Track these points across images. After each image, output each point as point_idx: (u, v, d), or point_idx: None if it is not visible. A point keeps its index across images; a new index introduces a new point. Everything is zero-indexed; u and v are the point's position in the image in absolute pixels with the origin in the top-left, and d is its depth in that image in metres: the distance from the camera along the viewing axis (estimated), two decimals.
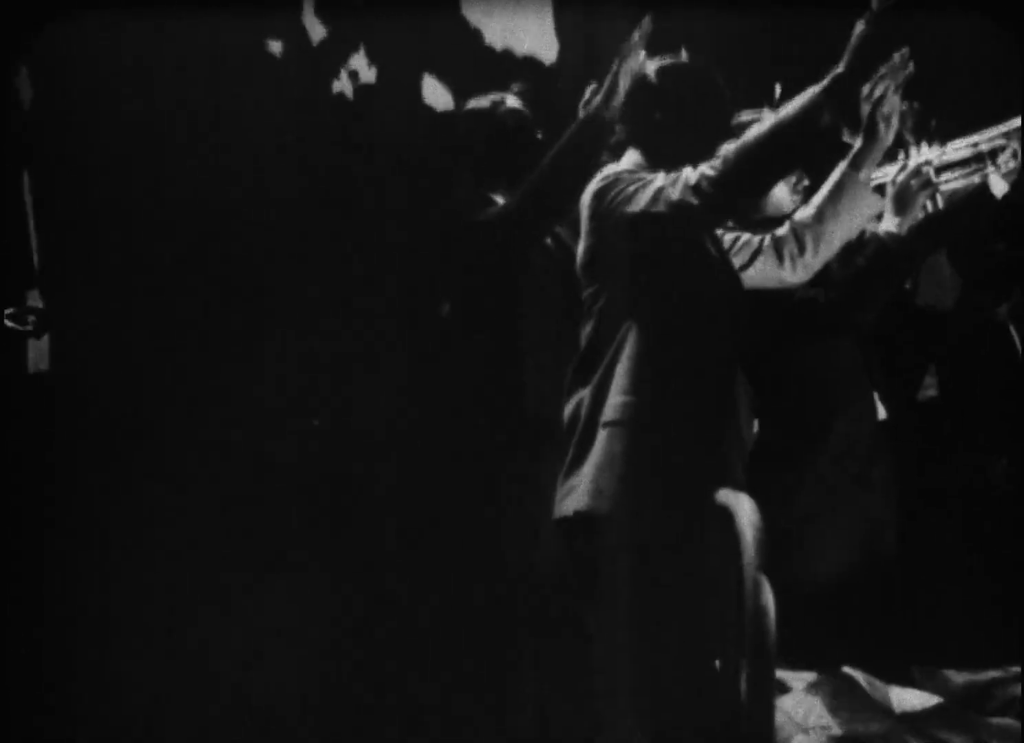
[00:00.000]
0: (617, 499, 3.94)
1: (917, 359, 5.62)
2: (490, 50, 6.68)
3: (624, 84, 4.34)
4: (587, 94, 4.74)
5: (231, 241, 6.42)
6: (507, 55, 6.67)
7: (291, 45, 6.55)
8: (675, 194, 3.99)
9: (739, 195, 4.10)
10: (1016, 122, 4.75)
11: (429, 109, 6.49)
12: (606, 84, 4.39)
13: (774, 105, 4.84)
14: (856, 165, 4.30)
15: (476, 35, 6.67)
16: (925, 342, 5.51)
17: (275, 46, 6.53)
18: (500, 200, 4.94)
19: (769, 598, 3.79)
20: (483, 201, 4.94)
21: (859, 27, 3.98)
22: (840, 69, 3.95)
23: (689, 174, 3.99)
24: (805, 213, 4.39)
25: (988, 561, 4.84)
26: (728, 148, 4.05)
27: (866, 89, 4.23)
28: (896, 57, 4.22)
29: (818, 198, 4.39)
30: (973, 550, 5.04)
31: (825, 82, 3.95)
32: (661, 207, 4.02)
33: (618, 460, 3.97)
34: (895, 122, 4.31)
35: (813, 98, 3.93)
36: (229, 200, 6.37)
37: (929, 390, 5.61)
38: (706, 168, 3.98)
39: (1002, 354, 5.26)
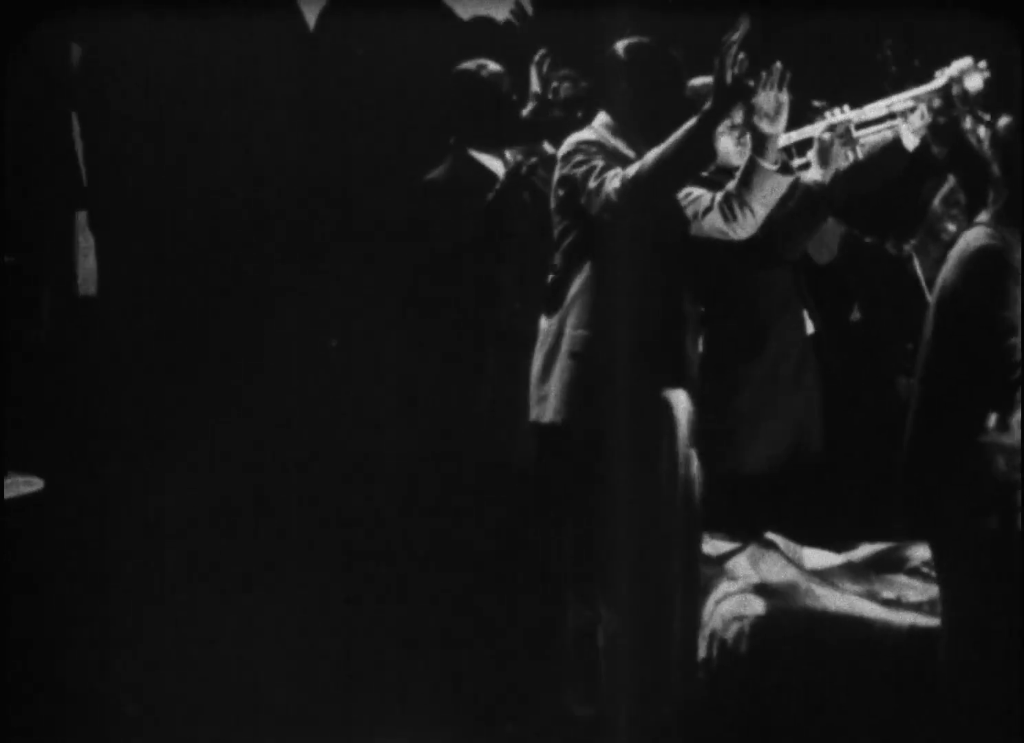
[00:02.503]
0: (582, 413, 4.75)
1: (847, 288, 6.32)
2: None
3: (729, 81, 4.72)
4: (536, 57, 5.47)
5: (234, 226, 6.80)
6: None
7: (288, 30, 6.95)
8: (604, 193, 4.67)
9: (647, 195, 4.69)
10: (925, 87, 5.27)
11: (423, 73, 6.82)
12: (714, 83, 4.69)
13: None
14: (757, 152, 4.82)
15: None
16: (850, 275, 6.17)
17: (271, 30, 6.88)
18: (485, 160, 5.62)
19: (697, 470, 4.70)
20: (473, 167, 5.61)
21: (727, 61, 4.58)
22: (708, 107, 4.60)
23: (617, 173, 4.66)
24: (732, 185, 4.96)
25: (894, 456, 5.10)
26: (651, 152, 4.67)
27: (759, 98, 4.72)
28: (774, 68, 4.68)
29: (737, 176, 4.93)
30: (883, 446, 5.46)
31: (699, 116, 4.61)
32: (597, 203, 4.68)
33: (582, 384, 4.77)
34: (782, 116, 4.75)
35: (696, 125, 4.61)
36: (235, 183, 6.75)
37: (855, 313, 6.34)
38: (632, 169, 4.65)
39: (907, 285, 5.89)
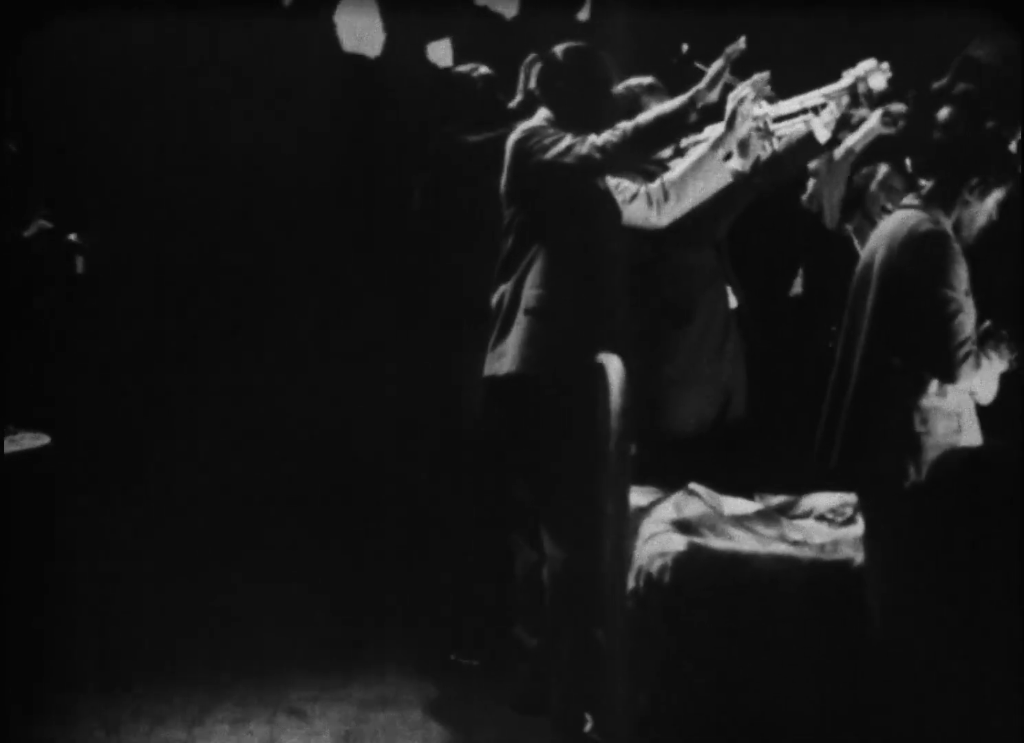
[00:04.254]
0: (535, 364, 5.08)
1: (787, 264, 6.65)
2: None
3: (718, 89, 5.13)
4: (527, 59, 5.72)
5: (220, 213, 7.18)
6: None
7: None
8: (583, 150, 5.03)
9: (631, 156, 5.14)
10: (834, 85, 5.57)
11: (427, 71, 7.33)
12: (706, 83, 5.09)
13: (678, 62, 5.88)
14: (716, 147, 5.29)
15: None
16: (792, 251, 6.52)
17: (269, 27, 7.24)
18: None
19: (628, 426, 5.04)
20: (456, 153, 5.99)
21: (718, 64, 5.10)
22: (701, 85, 5.04)
23: (595, 138, 5.03)
24: (672, 175, 5.42)
25: (813, 417, 5.22)
26: (626, 124, 5.05)
27: (732, 95, 5.24)
28: (757, 77, 5.24)
29: (683, 166, 5.39)
30: (803, 409, 5.49)
31: (691, 92, 5.04)
32: (570, 158, 5.05)
33: (535, 337, 5.09)
34: (748, 123, 5.26)
35: (684, 102, 5.04)
36: (222, 173, 7.11)
37: (796, 288, 6.63)
38: (609, 135, 5.02)
39: (846, 262, 6.11)
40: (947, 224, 4.64)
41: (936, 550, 4.28)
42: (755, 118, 5.57)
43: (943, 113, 4.96)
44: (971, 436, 4.49)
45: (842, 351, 4.86)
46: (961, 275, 4.51)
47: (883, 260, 4.67)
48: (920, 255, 4.57)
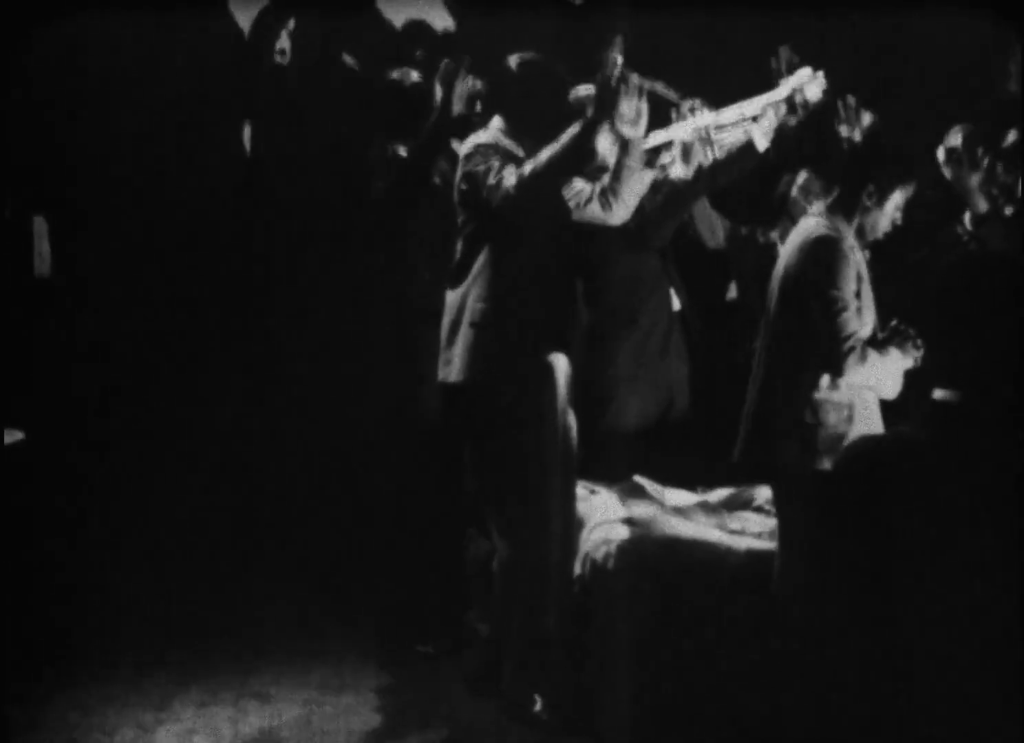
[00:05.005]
0: (478, 374, 5.29)
1: (725, 271, 6.72)
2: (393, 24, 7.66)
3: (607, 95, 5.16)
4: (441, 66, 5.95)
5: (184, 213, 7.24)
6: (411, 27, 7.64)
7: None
8: (502, 191, 5.15)
9: (533, 199, 5.19)
10: (772, 95, 5.69)
11: (350, 79, 7.42)
12: (591, 117, 5.15)
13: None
14: (625, 152, 5.32)
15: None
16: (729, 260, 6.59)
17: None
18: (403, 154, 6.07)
19: (573, 422, 5.27)
20: (393, 159, 6.09)
21: (598, 89, 5.15)
22: (588, 117, 5.12)
23: (512, 174, 5.15)
24: (606, 179, 5.43)
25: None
26: (524, 167, 5.15)
27: (622, 107, 5.20)
28: (632, 81, 5.17)
29: (610, 172, 5.41)
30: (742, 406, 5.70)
31: (581, 123, 5.12)
32: (495, 200, 5.18)
33: (478, 348, 5.29)
34: (642, 122, 5.24)
35: (574, 138, 5.12)
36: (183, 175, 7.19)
37: (731, 293, 6.79)
38: (512, 179, 5.14)
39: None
40: (846, 230, 4.91)
41: (834, 536, 4.48)
42: (697, 127, 5.79)
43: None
44: (865, 426, 4.75)
45: (757, 352, 5.13)
46: (849, 277, 4.79)
47: (784, 266, 4.96)
48: (812, 259, 4.85)
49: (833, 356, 4.74)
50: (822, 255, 4.84)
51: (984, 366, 3.11)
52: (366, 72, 7.33)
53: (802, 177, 6.26)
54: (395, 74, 6.33)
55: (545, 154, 5.18)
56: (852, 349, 4.70)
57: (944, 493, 2.97)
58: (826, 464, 4.70)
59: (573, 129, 5.18)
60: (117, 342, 7.20)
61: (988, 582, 3.21)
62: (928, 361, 4.60)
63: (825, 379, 4.81)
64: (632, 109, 5.21)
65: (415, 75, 6.32)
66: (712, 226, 6.27)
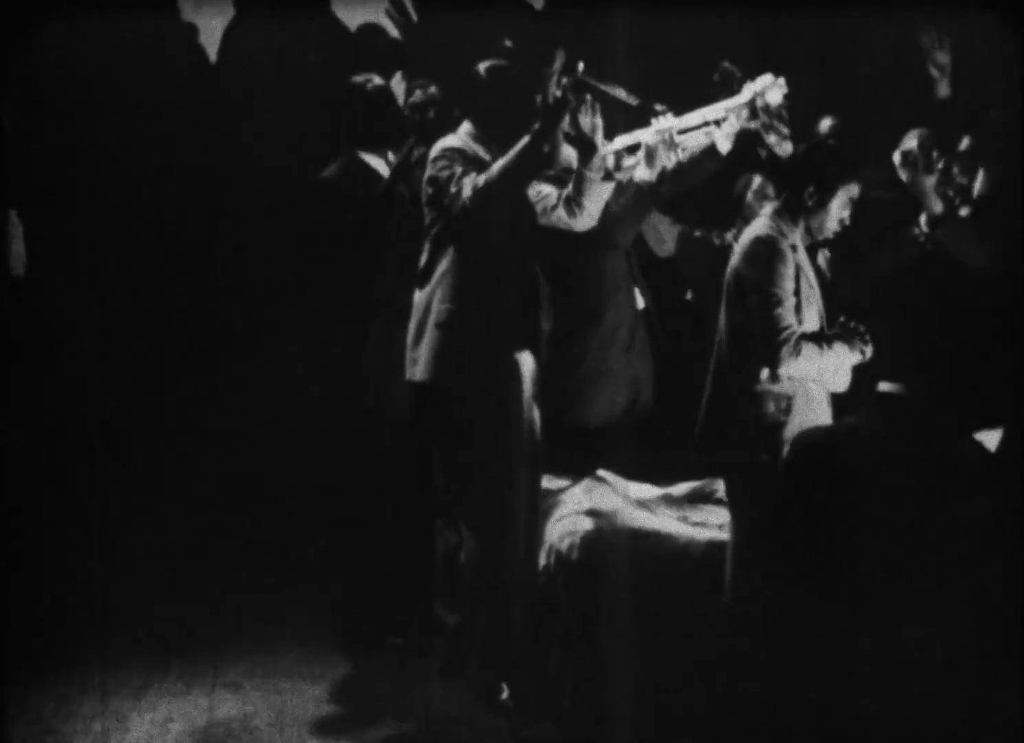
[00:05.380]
0: (443, 375, 5.41)
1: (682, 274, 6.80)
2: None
3: (551, 104, 5.27)
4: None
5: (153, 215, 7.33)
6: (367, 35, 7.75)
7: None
8: (461, 200, 5.30)
9: (489, 206, 5.32)
10: (734, 100, 5.75)
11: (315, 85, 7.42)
12: (540, 126, 5.25)
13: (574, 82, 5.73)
14: (584, 164, 5.48)
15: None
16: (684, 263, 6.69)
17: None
18: (369, 159, 6.21)
19: (538, 418, 5.39)
20: (360, 166, 6.21)
21: (548, 99, 5.25)
22: (538, 126, 5.25)
23: (470, 183, 5.28)
24: (569, 188, 5.56)
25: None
26: (479, 178, 5.28)
27: (580, 116, 5.37)
28: (587, 97, 5.37)
29: (571, 183, 5.55)
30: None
31: (530, 136, 5.24)
32: (455, 209, 5.32)
33: (443, 349, 5.41)
34: (598, 135, 5.41)
35: (526, 146, 5.25)
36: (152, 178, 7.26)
37: (688, 294, 6.95)
38: (483, 177, 5.27)
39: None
40: (791, 231, 5.08)
41: (783, 525, 4.64)
42: (660, 131, 5.84)
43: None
44: (808, 418, 4.88)
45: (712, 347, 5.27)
46: (786, 274, 4.97)
47: (730, 265, 5.14)
48: (750, 257, 5.03)
49: (770, 348, 4.91)
50: (760, 253, 5.02)
51: (928, 361, 3.24)
52: (327, 76, 7.35)
53: (756, 181, 6.42)
54: (360, 78, 6.39)
55: (498, 165, 5.33)
56: (785, 342, 4.86)
57: (889, 480, 3.10)
58: (767, 455, 4.86)
59: (523, 140, 5.31)
60: (88, 341, 7.27)
61: (936, 567, 3.33)
62: (876, 356, 4.71)
63: (764, 372, 4.96)
64: (588, 124, 5.38)
65: (377, 79, 6.40)
66: (659, 234, 6.43)
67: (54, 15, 6.16)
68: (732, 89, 5.87)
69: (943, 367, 3.25)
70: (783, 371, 4.89)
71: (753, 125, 5.87)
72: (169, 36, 7.59)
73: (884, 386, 3.23)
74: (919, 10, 6.43)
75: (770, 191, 6.34)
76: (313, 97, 7.37)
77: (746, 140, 5.92)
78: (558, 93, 5.30)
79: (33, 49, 6.56)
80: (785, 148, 5.83)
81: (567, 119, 5.45)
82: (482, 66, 5.62)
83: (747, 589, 4.87)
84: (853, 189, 5.14)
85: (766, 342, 4.91)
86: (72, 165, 7.30)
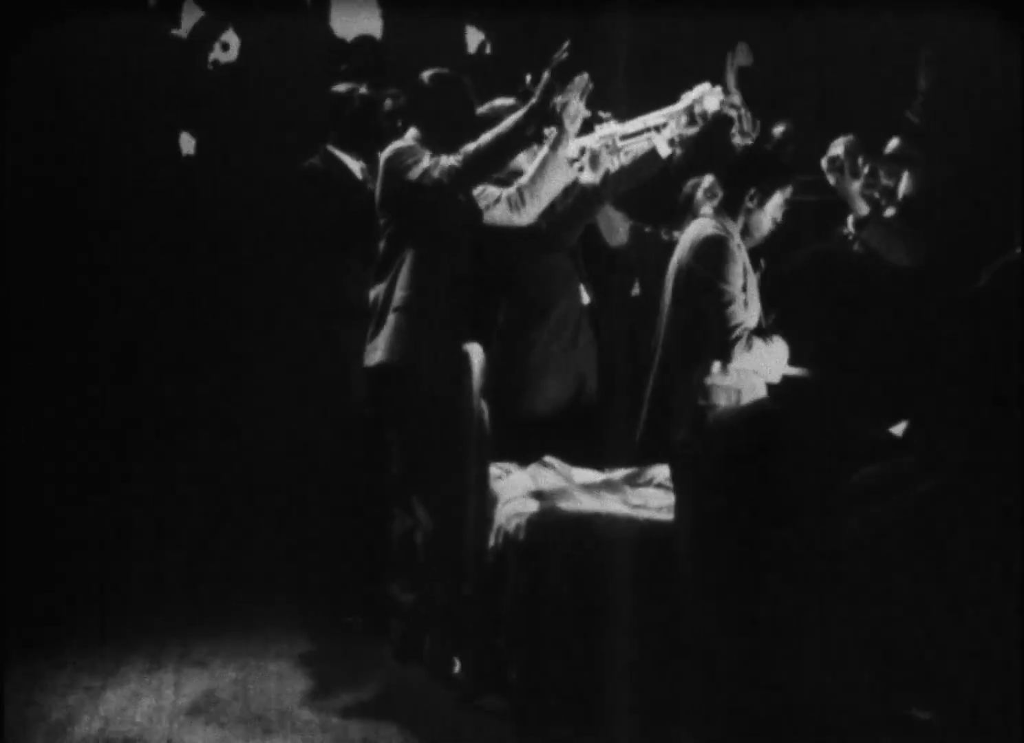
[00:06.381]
0: (403, 356, 5.62)
1: (630, 267, 7.03)
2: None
3: (554, 108, 5.48)
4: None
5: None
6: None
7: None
8: (435, 174, 5.53)
9: (477, 174, 5.60)
10: (674, 107, 6.03)
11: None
12: (538, 97, 5.43)
13: (521, 94, 6.14)
14: (554, 147, 5.72)
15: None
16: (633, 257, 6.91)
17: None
18: (345, 159, 6.45)
19: (487, 407, 5.58)
20: (337, 162, 6.45)
21: (546, 76, 5.44)
22: (534, 101, 5.44)
23: (444, 162, 5.49)
24: (524, 179, 5.85)
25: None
26: (468, 147, 5.49)
27: (559, 99, 5.54)
28: (577, 79, 5.57)
29: (531, 170, 5.81)
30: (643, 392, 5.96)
31: (525, 109, 5.45)
32: (426, 181, 5.55)
33: (403, 331, 5.63)
34: (578, 120, 5.64)
35: (519, 119, 5.46)
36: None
37: (636, 289, 7.11)
38: (455, 158, 5.49)
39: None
40: (733, 229, 5.34)
41: (715, 503, 4.93)
42: (604, 136, 6.12)
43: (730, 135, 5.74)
44: None
45: (653, 342, 5.52)
46: (737, 273, 5.22)
47: (677, 261, 5.38)
48: (702, 256, 5.27)
49: (723, 345, 5.15)
50: (712, 253, 5.25)
51: (833, 349, 3.53)
52: (312, 80, 7.59)
53: (707, 181, 6.59)
54: (343, 87, 6.62)
55: (490, 135, 5.53)
56: (739, 338, 5.11)
57: (793, 457, 3.39)
58: (718, 444, 5.07)
59: (518, 113, 5.53)
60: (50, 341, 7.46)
61: (838, 539, 3.60)
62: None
63: (716, 366, 5.20)
64: (574, 106, 5.60)
65: (363, 88, 6.61)
66: (612, 227, 6.61)
67: (49, 17, 6.35)
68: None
69: (847, 355, 3.55)
70: (734, 365, 5.13)
71: (691, 131, 6.12)
72: (162, 40, 7.78)
73: (790, 371, 3.53)
74: (919, 10, 6.45)
75: (720, 191, 6.33)
76: (301, 102, 7.63)
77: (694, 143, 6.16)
78: (549, 77, 5.48)
79: (28, 51, 6.76)
80: (745, 142, 6.11)
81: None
82: (425, 74, 5.85)
83: (701, 566, 5.09)
84: (787, 191, 5.42)
85: (719, 338, 5.12)
86: (64, 163, 7.46)
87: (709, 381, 5.22)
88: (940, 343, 3.43)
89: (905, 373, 4.33)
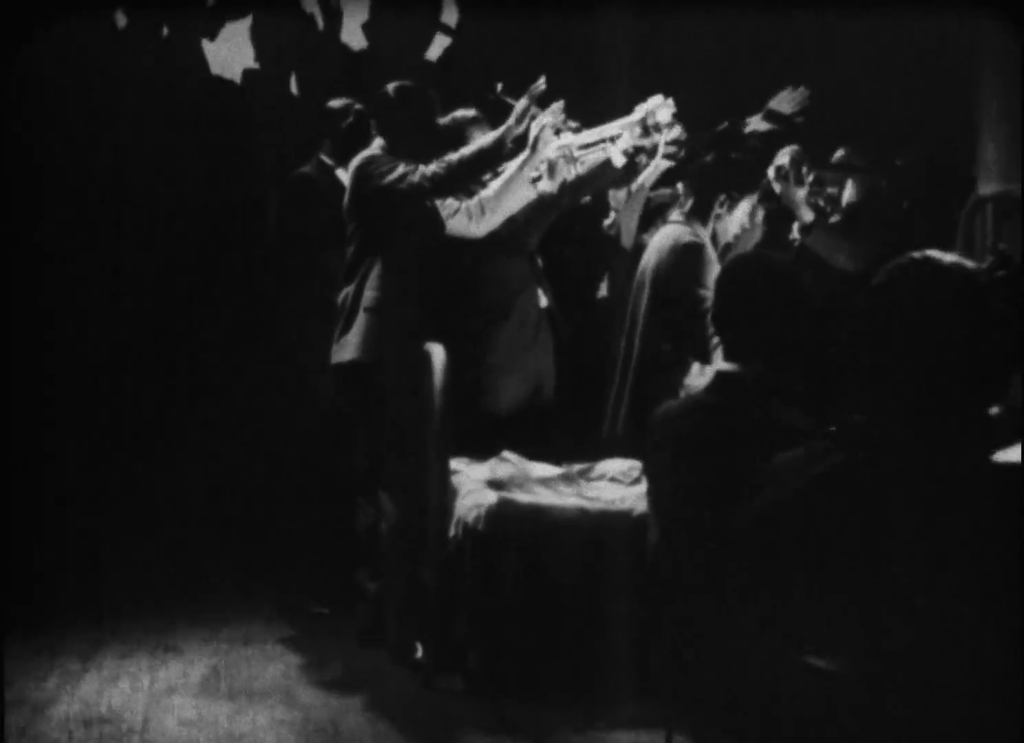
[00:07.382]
0: (370, 353, 5.85)
1: (596, 271, 7.35)
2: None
3: (526, 122, 5.76)
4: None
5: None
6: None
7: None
8: (415, 178, 5.74)
9: (456, 184, 5.86)
10: (628, 118, 6.27)
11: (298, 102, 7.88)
12: (514, 118, 5.74)
13: (491, 102, 6.54)
14: (523, 168, 5.99)
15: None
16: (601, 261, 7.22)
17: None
18: (339, 172, 6.63)
19: (447, 405, 5.78)
20: (328, 171, 6.72)
21: (523, 102, 5.75)
22: (511, 121, 5.73)
23: (425, 168, 5.72)
24: (487, 192, 6.11)
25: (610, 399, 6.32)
26: (452, 157, 5.74)
27: (535, 124, 5.89)
28: (554, 106, 5.92)
29: (496, 184, 6.06)
30: (601, 393, 6.54)
31: (503, 127, 5.74)
32: (403, 185, 5.77)
33: (371, 330, 5.85)
34: (550, 146, 5.98)
35: (498, 136, 5.74)
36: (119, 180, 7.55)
37: (602, 291, 7.40)
38: (436, 166, 5.72)
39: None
40: (704, 235, 5.61)
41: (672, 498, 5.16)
42: (561, 146, 6.30)
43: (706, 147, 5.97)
44: None
45: (625, 342, 5.77)
46: (712, 277, 5.37)
47: (653, 266, 5.61)
48: (680, 262, 5.53)
49: (702, 346, 5.40)
50: (689, 258, 5.54)
51: (759, 345, 3.78)
52: (310, 92, 7.81)
53: (680, 188, 6.67)
54: (339, 102, 6.86)
55: (473, 148, 5.81)
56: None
57: (725, 448, 3.64)
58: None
59: (498, 132, 5.82)
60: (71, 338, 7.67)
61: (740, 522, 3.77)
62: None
63: (695, 366, 5.46)
64: (548, 133, 5.95)
65: (358, 105, 6.84)
66: (629, 229, 6.74)
67: (48, 18, 6.53)
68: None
69: (775, 353, 3.78)
70: (712, 367, 5.29)
71: (645, 142, 6.36)
72: (167, 43, 7.93)
73: (723, 366, 3.79)
74: (919, 10, 6.63)
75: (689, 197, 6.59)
76: (301, 110, 7.84)
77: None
78: (527, 102, 5.81)
79: (27, 52, 6.93)
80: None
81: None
82: (390, 86, 6.08)
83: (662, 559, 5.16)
84: (753, 199, 5.67)
85: (701, 341, 5.35)
86: (64, 165, 7.60)
87: (688, 381, 5.46)
88: (857, 339, 3.67)
89: (831, 367, 4.59)
